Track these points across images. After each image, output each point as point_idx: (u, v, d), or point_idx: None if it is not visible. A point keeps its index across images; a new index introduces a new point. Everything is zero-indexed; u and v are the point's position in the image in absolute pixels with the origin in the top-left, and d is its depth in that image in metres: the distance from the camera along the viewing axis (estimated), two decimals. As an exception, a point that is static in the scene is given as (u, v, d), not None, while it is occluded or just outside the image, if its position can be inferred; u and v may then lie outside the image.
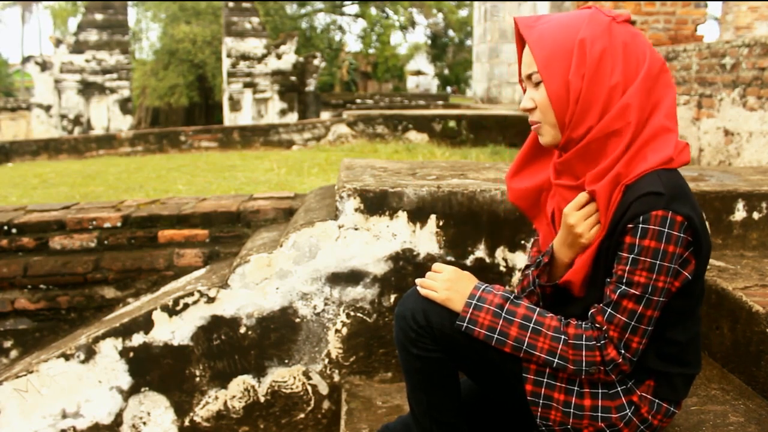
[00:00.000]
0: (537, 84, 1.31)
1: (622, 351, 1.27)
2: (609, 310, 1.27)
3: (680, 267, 1.27)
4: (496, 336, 1.32)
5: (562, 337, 1.29)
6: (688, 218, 1.22)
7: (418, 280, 1.41)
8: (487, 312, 1.33)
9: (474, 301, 1.34)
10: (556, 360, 1.29)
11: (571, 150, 1.31)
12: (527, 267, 1.48)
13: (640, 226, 1.22)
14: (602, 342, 1.28)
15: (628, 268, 1.24)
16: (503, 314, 1.32)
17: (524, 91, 1.38)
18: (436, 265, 1.43)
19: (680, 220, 1.22)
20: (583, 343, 1.28)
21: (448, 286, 1.37)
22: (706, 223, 1.32)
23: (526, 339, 1.30)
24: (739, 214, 2.14)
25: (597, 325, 1.29)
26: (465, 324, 1.33)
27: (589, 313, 1.32)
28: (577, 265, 1.34)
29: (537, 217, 1.50)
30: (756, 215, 2.14)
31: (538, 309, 1.34)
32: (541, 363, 1.32)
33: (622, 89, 1.25)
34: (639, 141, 1.26)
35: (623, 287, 1.25)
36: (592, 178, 1.29)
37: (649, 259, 1.22)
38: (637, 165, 1.25)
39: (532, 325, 1.31)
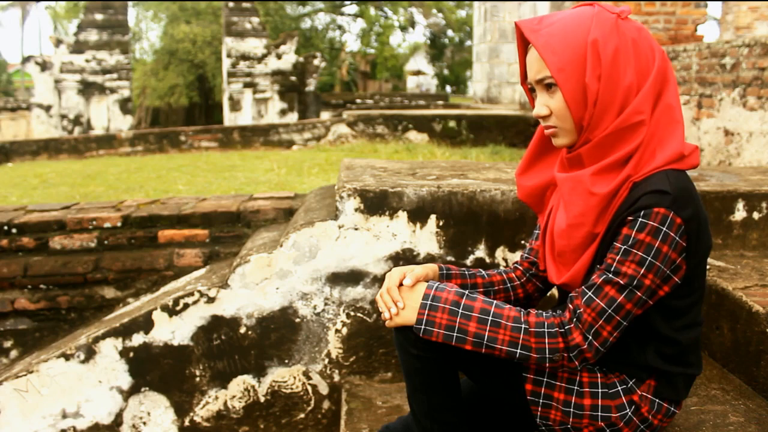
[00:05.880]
0: (549, 87, 1.29)
1: (590, 337, 1.25)
2: (590, 293, 1.26)
3: (672, 273, 1.27)
4: (455, 335, 1.29)
5: (523, 326, 1.27)
6: (686, 222, 1.23)
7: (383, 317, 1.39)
8: (443, 311, 1.30)
9: (429, 302, 1.32)
10: (518, 351, 1.27)
11: (586, 146, 1.30)
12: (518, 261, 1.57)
13: (640, 219, 1.22)
14: (566, 327, 1.26)
15: (618, 257, 1.24)
16: (460, 310, 1.30)
17: (528, 94, 1.37)
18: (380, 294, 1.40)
19: (679, 222, 1.22)
20: (545, 330, 1.27)
21: (395, 300, 1.35)
22: (708, 225, 1.32)
23: (486, 333, 1.28)
24: (739, 214, 2.14)
25: (571, 307, 1.27)
26: (423, 327, 1.30)
27: (569, 296, 1.31)
28: (578, 265, 1.33)
29: (541, 213, 1.51)
30: (756, 215, 2.14)
31: (495, 302, 1.32)
32: (504, 355, 1.29)
33: (636, 87, 1.26)
34: (649, 132, 1.26)
35: (609, 275, 1.25)
36: (599, 169, 1.28)
37: (640, 253, 1.22)
38: (647, 163, 1.26)
39: (490, 318, 1.28)
